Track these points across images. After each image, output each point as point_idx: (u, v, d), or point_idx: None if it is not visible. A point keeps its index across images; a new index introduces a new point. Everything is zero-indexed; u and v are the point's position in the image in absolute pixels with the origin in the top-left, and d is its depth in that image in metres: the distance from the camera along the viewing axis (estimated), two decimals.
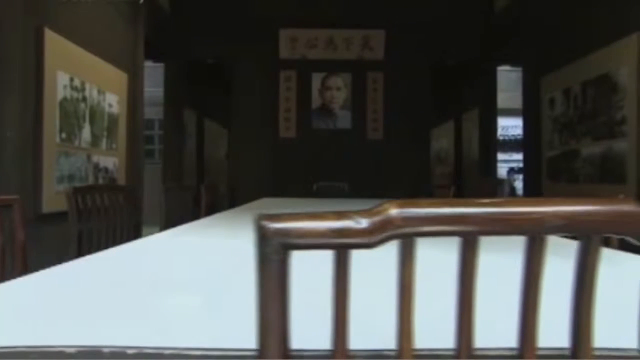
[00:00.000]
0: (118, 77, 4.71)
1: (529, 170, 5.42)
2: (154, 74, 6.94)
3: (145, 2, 5.43)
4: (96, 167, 4.27)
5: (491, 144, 6.54)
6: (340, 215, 0.36)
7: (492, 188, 3.21)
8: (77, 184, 3.89)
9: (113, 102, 4.60)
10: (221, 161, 8.44)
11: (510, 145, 11.77)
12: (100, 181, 4.36)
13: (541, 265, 0.39)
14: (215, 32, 6.30)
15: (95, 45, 4.16)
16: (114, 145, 4.63)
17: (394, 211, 0.36)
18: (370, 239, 0.35)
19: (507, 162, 11.85)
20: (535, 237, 0.38)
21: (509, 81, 8.18)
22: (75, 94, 3.82)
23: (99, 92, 4.28)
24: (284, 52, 6.33)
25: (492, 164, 6.57)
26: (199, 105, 7.59)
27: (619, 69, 3.75)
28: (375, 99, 6.37)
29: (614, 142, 3.82)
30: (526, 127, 5.49)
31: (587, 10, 4.23)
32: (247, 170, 6.39)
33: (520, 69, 6.00)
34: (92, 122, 4.15)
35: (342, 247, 0.36)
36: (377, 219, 0.35)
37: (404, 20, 6.24)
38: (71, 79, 3.73)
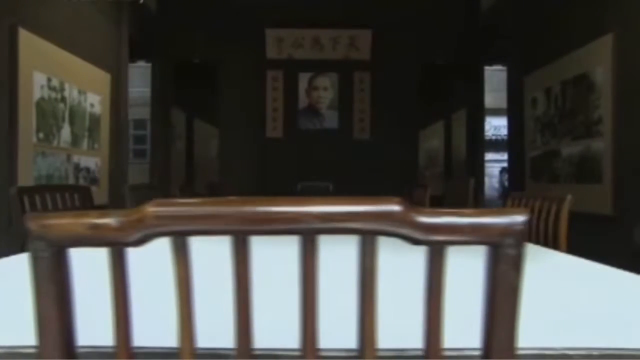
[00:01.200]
0: (100, 77, 4.71)
1: (512, 170, 5.42)
2: (146, 74, 6.95)
3: (132, 2, 5.44)
4: (77, 167, 4.28)
5: (479, 143, 6.54)
6: (103, 214, 0.36)
7: (463, 188, 3.21)
8: (56, 183, 3.91)
9: (95, 102, 4.60)
10: (213, 161, 8.45)
11: (502, 145, 11.75)
12: (82, 181, 4.37)
13: (315, 266, 0.40)
14: (202, 32, 6.31)
15: (76, 45, 4.17)
16: (95, 146, 4.64)
17: (149, 210, 0.37)
18: (127, 237, 0.36)
19: (500, 161, 11.83)
20: (306, 237, 0.39)
21: (500, 81, 8.17)
22: (53, 94, 3.83)
23: (80, 92, 4.29)
24: (271, 52, 6.34)
25: (480, 164, 6.57)
26: (188, 105, 7.60)
27: (595, 69, 3.75)
28: (362, 99, 6.38)
29: (591, 141, 3.83)
30: (510, 127, 5.50)
31: (566, 9, 4.24)
32: (235, 170, 6.40)
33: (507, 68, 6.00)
34: (72, 122, 4.15)
35: (102, 244, 0.36)
36: (132, 217, 0.36)
37: (390, 20, 6.25)
38: (49, 79, 3.74)
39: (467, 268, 1.02)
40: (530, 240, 1.97)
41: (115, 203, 4.76)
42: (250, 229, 0.37)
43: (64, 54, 3.97)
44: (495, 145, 11.32)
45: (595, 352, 0.56)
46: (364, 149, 6.33)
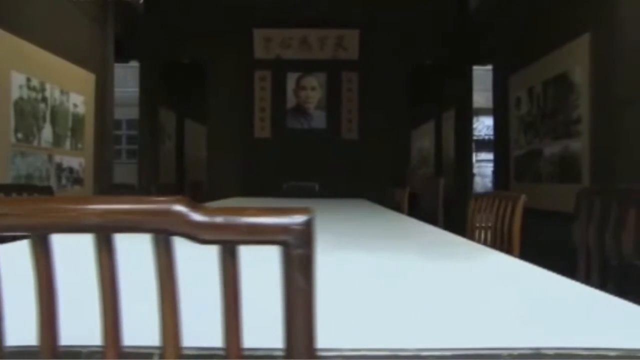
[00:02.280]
0: (84, 77, 4.72)
1: (498, 169, 5.42)
2: (137, 75, 6.96)
3: (119, 2, 5.45)
4: (59, 167, 4.28)
5: (467, 143, 6.53)
6: None
7: (434, 188, 3.21)
8: (37, 184, 3.92)
9: (78, 102, 4.61)
10: (203, 160, 8.45)
11: None
12: (64, 181, 4.38)
13: (113, 267, 0.40)
14: (190, 32, 6.32)
15: (58, 45, 4.18)
16: (79, 145, 4.65)
17: None
18: None
19: (493, 161, 11.83)
20: (100, 236, 0.39)
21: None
22: (33, 94, 3.84)
23: (62, 92, 4.29)
24: (259, 52, 6.34)
25: (469, 163, 6.57)
26: (178, 105, 7.60)
27: (574, 69, 3.75)
28: (350, 99, 6.38)
29: (571, 141, 3.83)
30: (496, 126, 5.50)
31: (548, 9, 4.24)
32: (224, 169, 6.41)
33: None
34: (54, 122, 4.16)
35: None
36: None
37: (378, 20, 6.25)
38: (28, 79, 3.74)
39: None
40: (487, 241, 1.97)
41: None
42: (33, 224, 0.37)
43: (44, 54, 3.98)
44: (489, 144, 11.32)
45: (448, 352, 0.56)
46: (352, 149, 6.33)
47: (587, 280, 1.27)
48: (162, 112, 6.96)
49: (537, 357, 0.59)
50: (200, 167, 7.99)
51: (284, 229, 0.37)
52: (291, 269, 0.39)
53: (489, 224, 1.95)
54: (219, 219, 0.38)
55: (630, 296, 1.18)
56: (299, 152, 6.29)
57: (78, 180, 4.63)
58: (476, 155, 10.92)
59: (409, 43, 6.31)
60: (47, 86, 4.02)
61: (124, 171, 9.28)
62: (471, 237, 2.15)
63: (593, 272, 1.24)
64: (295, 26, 6.28)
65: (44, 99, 3.99)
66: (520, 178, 4.78)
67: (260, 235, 0.38)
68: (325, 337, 0.62)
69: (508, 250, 1.79)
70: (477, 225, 2.08)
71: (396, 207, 3.88)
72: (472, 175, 6.63)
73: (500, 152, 5.24)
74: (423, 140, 8.90)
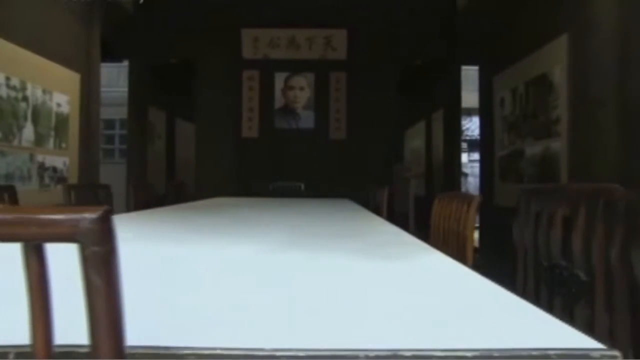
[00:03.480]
0: (68, 77, 4.73)
1: (483, 170, 5.42)
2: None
3: (107, 2, 5.45)
4: (41, 167, 4.29)
5: (455, 143, 6.53)
6: None
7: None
8: (18, 183, 3.92)
9: (62, 101, 4.62)
10: (194, 160, 8.46)
11: None
12: (47, 180, 4.39)
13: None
14: (178, 32, 6.32)
15: (40, 45, 4.18)
16: (63, 145, 4.65)
17: None
18: None
19: (479, 162, 11.81)
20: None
21: None
22: (13, 93, 3.84)
23: (45, 91, 4.30)
24: (247, 52, 6.34)
25: (457, 164, 6.56)
26: (169, 105, 7.60)
27: (554, 69, 3.75)
28: (338, 99, 6.38)
29: (551, 141, 3.83)
30: (482, 126, 5.49)
31: (530, 9, 4.23)
32: (212, 169, 6.41)
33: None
34: (35, 122, 4.16)
35: None
36: None
37: (366, 20, 6.25)
38: (7, 78, 3.75)
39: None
40: (447, 241, 1.97)
41: (83, 202, 4.76)
42: None
43: (25, 53, 3.98)
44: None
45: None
46: (340, 149, 6.33)
47: (524, 281, 1.27)
48: (152, 112, 6.97)
49: (394, 357, 0.59)
50: (190, 167, 7.99)
51: (74, 226, 0.37)
52: (85, 267, 0.39)
53: (449, 225, 1.95)
54: (9, 216, 0.38)
55: (557, 297, 1.18)
56: (287, 152, 6.29)
57: (62, 180, 4.62)
58: (469, 156, 10.92)
59: (397, 43, 6.31)
60: (28, 85, 4.02)
61: (117, 170, 9.29)
62: (435, 238, 2.16)
63: (529, 272, 1.24)
64: (283, 26, 6.28)
65: (25, 98, 4.00)
66: (504, 178, 4.78)
67: (51, 233, 0.38)
68: (185, 335, 0.62)
69: (463, 250, 1.80)
70: (439, 225, 2.08)
71: (376, 208, 3.88)
72: (460, 175, 6.63)
73: (486, 153, 5.24)
74: (415, 140, 8.90)
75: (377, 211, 3.85)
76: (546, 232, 1.14)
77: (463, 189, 10.38)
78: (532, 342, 0.62)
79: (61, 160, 4.62)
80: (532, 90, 4.15)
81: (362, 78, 6.34)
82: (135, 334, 0.62)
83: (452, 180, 6.41)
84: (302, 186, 5.46)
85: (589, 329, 0.99)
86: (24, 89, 3.97)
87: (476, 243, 3.50)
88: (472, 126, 11.05)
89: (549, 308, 1.16)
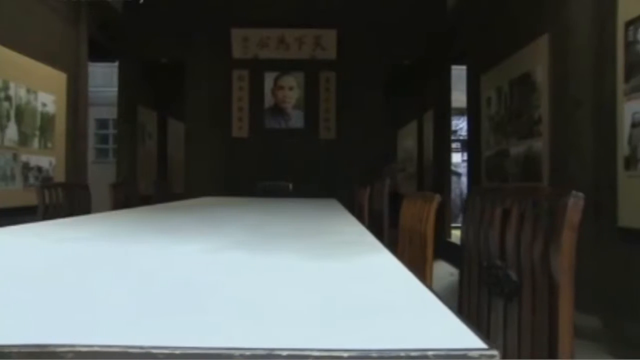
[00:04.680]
0: (54, 76, 4.72)
1: (471, 169, 5.42)
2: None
3: (96, 2, 5.45)
4: (25, 166, 4.29)
5: (445, 143, 6.53)
6: None
7: (381, 187, 3.21)
8: (1, 183, 3.93)
9: (48, 101, 4.62)
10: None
11: None
12: (32, 180, 4.38)
13: None
14: (168, 31, 6.32)
15: (24, 44, 4.18)
16: (49, 145, 4.65)
17: None
18: None
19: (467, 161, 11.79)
20: None
21: None
22: None
23: (29, 91, 4.30)
24: (237, 52, 6.34)
25: (446, 163, 6.56)
26: (161, 104, 7.60)
27: (536, 69, 3.75)
28: (328, 99, 6.38)
29: (533, 141, 3.82)
30: (469, 126, 5.49)
31: (515, 8, 4.23)
32: (202, 169, 6.41)
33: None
34: (19, 121, 4.16)
35: None
36: None
37: (356, 20, 6.25)
38: None
39: None
40: (412, 241, 1.97)
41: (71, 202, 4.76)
42: None
43: (8, 52, 3.98)
44: None
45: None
46: (330, 149, 6.33)
47: (469, 281, 1.27)
48: (142, 111, 6.97)
49: (270, 357, 0.59)
50: (182, 166, 8.00)
51: None
52: None
53: (413, 224, 1.95)
54: None
55: (495, 298, 1.18)
56: (276, 151, 6.29)
57: (48, 180, 4.62)
58: (462, 155, 10.90)
59: (386, 43, 6.30)
60: (11, 85, 4.02)
61: (111, 170, 9.30)
62: (402, 237, 2.15)
63: (473, 273, 1.24)
64: (272, 26, 6.28)
65: (8, 98, 3.99)
66: (490, 178, 4.77)
67: None
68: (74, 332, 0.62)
69: (423, 250, 1.79)
70: (405, 225, 2.08)
71: (359, 207, 3.88)
72: (449, 175, 6.62)
73: (473, 152, 5.24)
74: (407, 140, 8.90)
75: (359, 210, 3.85)
76: (485, 232, 1.14)
77: (456, 189, 10.37)
78: (419, 342, 0.62)
79: (47, 160, 4.61)
80: (516, 89, 4.15)
81: (351, 78, 6.34)
82: (14, 332, 0.62)
83: (442, 179, 6.40)
84: (290, 186, 5.45)
85: (517, 330, 0.99)
86: (6, 88, 3.97)
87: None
88: (465, 126, 11.04)
89: (488, 309, 1.15)
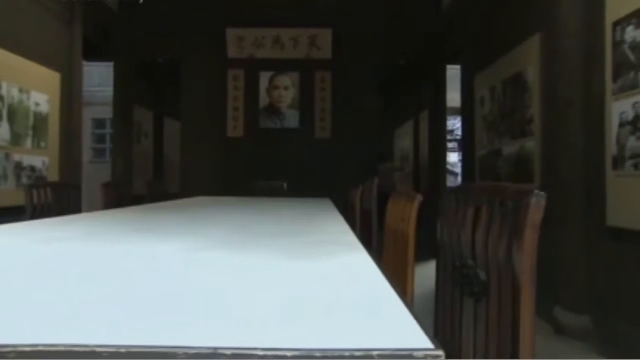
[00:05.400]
0: (48, 76, 4.72)
1: (465, 169, 5.41)
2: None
3: (91, 2, 5.45)
4: (18, 166, 4.29)
5: (440, 143, 6.52)
6: None
7: (369, 186, 3.22)
8: None
9: (41, 101, 4.62)
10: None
11: None
12: (25, 180, 4.38)
13: None
14: (164, 31, 6.32)
15: (16, 43, 4.18)
16: (42, 144, 4.65)
17: None
18: None
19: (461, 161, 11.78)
20: None
21: None
22: None
23: (22, 90, 4.30)
24: (232, 52, 6.34)
25: (442, 163, 6.55)
26: (157, 104, 7.61)
27: (527, 69, 3.75)
28: (323, 99, 6.38)
29: (525, 140, 3.82)
30: (464, 126, 5.49)
31: (508, 8, 4.23)
32: (197, 169, 6.42)
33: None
34: (11, 121, 4.16)
35: None
36: None
37: (351, 19, 6.25)
38: None
39: None
40: (397, 240, 1.97)
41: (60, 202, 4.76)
42: None
43: (0, 52, 3.98)
44: None
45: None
46: (325, 149, 6.33)
47: (444, 281, 1.27)
48: (138, 111, 6.97)
49: (214, 356, 0.59)
50: (178, 165, 8.00)
51: None
52: None
53: (397, 224, 1.95)
54: None
55: (466, 298, 1.18)
56: (271, 151, 6.29)
57: (42, 179, 4.62)
58: (459, 155, 10.91)
59: (382, 42, 6.30)
60: (3, 84, 4.02)
61: (108, 169, 9.31)
62: (388, 237, 2.15)
63: (448, 272, 1.24)
64: (268, 25, 6.28)
65: (0, 98, 3.99)
66: (484, 178, 4.77)
67: None
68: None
69: (404, 250, 1.79)
70: (390, 225, 2.08)
71: (351, 207, 3.88)
72: (445, 174, 6.62)
73: (467, 152, 5.24)
74: (404, 140, 8.90)
75: (352, 210, 3.85)
76: (458, 232, 1.14)
77: None
78: (368, 342, 0.62)
79: (40, 160, 4.62)
80: (509, 89, 4.15)
81: (347, 77, 6.34)
82: None
83: (438, 179, 6.40)
84: (285, 185, 5.45)
85: (486, 330, 0.99)
86: None
87: None
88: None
89: (461, 309, 1.15)
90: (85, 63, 6.45)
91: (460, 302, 1.13)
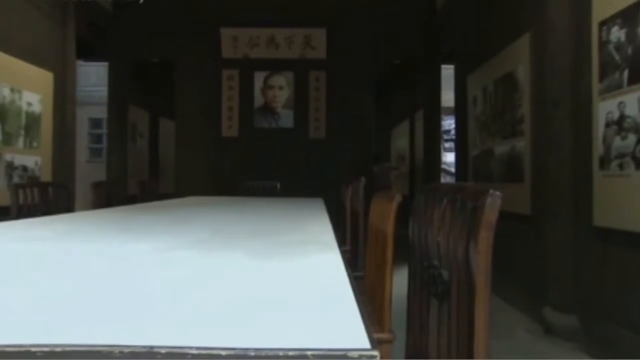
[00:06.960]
0: (40, 76, 4.72)
1: (458, 169, 5.41)
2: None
3: (85, 2, 5.45)
4: (10, 166, 4.29)
5: (435, 142, 6.52)
6: None
7: (356, 186, 3.22)
8: None
9: (33, 101, 4.62)
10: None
11: None
12: (16, 179, 4.39)
13: None
14: (158, 31, 6.32)
15: (9, 43, 4.18)
16: (34, 144, 4.65)
17: None
18: None
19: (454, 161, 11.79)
20: None
21: None
22: None
23: (13, 90, 4.30)
24: (226, 52, 6.34)
25: (436, 162, 6.56)
26: (152, 104, 7.60)
27: (518, 68, 3.75)
28: (318, 98, 6.38)
29: (516, 140, 3.82)
30: (457, 125, 5.49)
31: (500, 7, 4.23)
32: (191, 169, 6.42)
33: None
34: (2, 120, 4.16)
35: None
36: None
37: (345, 19, 6.25)
38: None
39: None
40: (372, 239, 1.97)
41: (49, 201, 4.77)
42: None
43: None
44: None
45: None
46: (319, 148, 6.33)
47: (414, 281, 1.27)
48: (133, 111, 6.97)
49: (149, 356, 0.59)
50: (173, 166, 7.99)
51: None
52: None
53: (377, 223, 1.95)
54: None
55: (432, 298, 1.18)
56: (266, 151, 6.29)
57: (34, 179, 4.63)
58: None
59: (377, 42, 6.30)
60: None
61: (104, 169, 9.31)
62: (370, 236, 2.15)
63: (417, 272, 1.24)
64: (262, 25, 6.28)
65: None
66: (477, 178, 4.77)
67: None
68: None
69: (384, 249, 1.79)
70: (372, 224, 2.08)
71: (342, 206, 3.88)
72: (439, 173, 6.62)
73: (461, 152, 5.24)
74: (401, 139, 8.90)
75: (343, 210, 3.85)
76: (425, 231, 1.14)
77: None
78: (307, 341, 0.62)
79: (32, 160, 4.62)
80: (500, 89, 4.15)
81: (341, 77, 6.34)
82: None
83: (433, 178, 6.40)
84: (278, 185, 5.44)
85: (447, 330, 0.99)
86: None
87: None
88: None
89: (427, 309, 1.15)
90: (82, 63, 6.48)
91: (427, 302, 1.14)
